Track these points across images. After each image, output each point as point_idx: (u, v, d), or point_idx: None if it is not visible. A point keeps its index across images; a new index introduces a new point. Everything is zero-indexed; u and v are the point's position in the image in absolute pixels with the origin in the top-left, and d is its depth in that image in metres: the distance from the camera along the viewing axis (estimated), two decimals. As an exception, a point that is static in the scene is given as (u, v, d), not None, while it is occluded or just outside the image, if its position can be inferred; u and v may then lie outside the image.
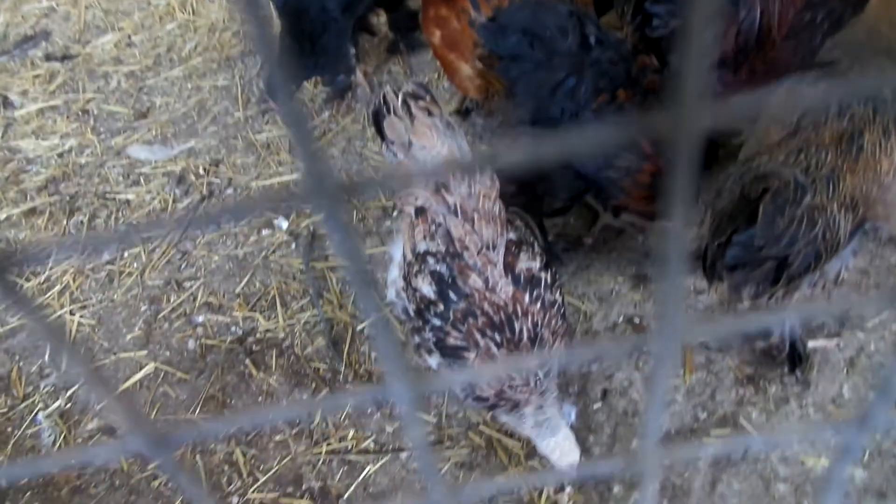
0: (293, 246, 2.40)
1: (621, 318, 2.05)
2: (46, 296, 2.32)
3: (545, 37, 1.64)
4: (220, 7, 3.22)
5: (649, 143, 1.77)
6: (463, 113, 2.73)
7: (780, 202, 1.47)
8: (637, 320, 2.04)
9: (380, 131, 1.73)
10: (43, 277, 2.38)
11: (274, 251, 2.39)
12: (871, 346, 1.88)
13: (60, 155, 2.77)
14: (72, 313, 2.25)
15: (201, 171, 2.66)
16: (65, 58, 3.16)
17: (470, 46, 2.14)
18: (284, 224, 2.45)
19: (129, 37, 3.22)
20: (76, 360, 0.41)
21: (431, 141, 1.65)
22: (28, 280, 2.37)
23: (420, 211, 1.66)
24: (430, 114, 1.67)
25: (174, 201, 2.57)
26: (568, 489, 1.78)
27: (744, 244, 1.45)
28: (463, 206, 1.63)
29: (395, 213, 2.48)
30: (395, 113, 1.67)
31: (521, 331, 1.63)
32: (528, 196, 2.12)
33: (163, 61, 3.11)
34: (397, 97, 1.69)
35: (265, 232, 2.45)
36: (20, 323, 2.25)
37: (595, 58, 1.66)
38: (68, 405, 2.00)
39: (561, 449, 1.63)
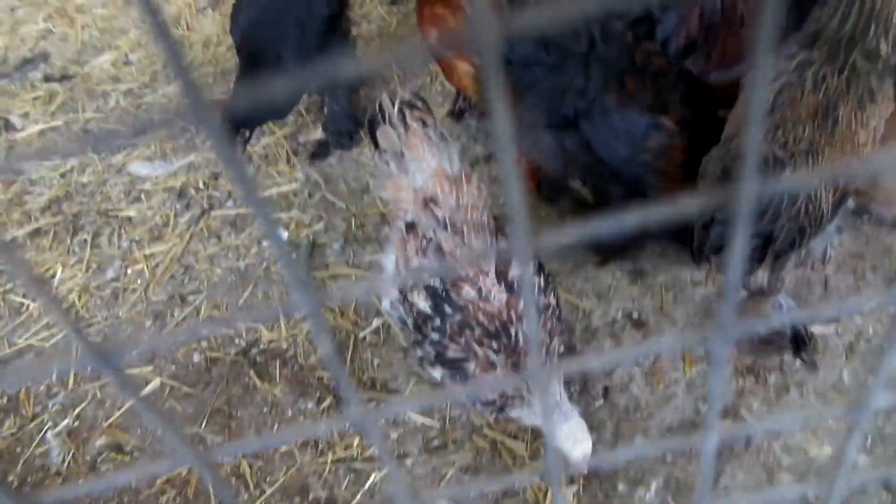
0: (294, 256, 2.42)
1: (620, 314, 2.06)
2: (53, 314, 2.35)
3: (559, 42, 1.65)
4: (213, 22, 3.25)
5: (673, 119, 1.75)
6: (456, 115, 2.74)
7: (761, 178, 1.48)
8: (636, 316, 2.04)
9: (374, 139, 1.74)
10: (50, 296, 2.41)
11: (275, 262, 2.41)
12: (869, 330, 1.88)
13: (63, 175, 2.81)
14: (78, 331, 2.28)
15: (201, 185, 2.69)
16: (63, 78, 3.20)
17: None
18: (285, 234, 2.47)
19: (126, 55, 3.25)
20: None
21: (422, 153, 1.66)
22: (34, 300, 2.41)
23: (410, 226, 1.67)
24: (424, 124, 1.68)
25: (175, 216, 2.60)
26: (573, 487, 1.79)
27: (727, 222, 1.46)
28: (452, 219, 1.63)
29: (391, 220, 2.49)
30: (390, 122, 1.68)
31: (517, 335, 1.64)
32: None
33: (160, 78, 3.14)
34: (393, 105, 1.70)
35: (265, 243, 2.48)
36: (27, 343, 2.28)
37: (600, 54, 1.67)
38: (76, 423, 2.04)
39: (574, 437, 1.61)
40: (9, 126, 3.03)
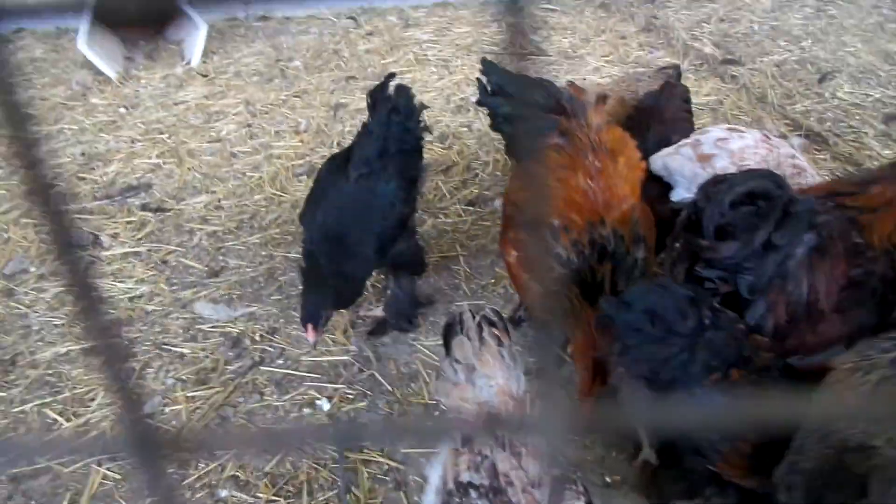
0: (331, 431, 2.39)
1: (660, 576, 1.92)
2: (79, 441, 2.32)
3: (666, 318, 1.76)
4: (305, 188, 3.54)
5: None
6: (516, 321, 2.82)
7: (888, 481, 1.46)
8: (676, 580, 1.91)
9: (447, 347, 1.80)
10: (83, 420, 2.40)
11: (311, 433, 2.38)
12: None
13: (131, 299, 2.93)
14: (99, 464, 2.24)
15: (257, 338, 2.75)
16: (159, 210, 3.46)
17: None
18: (327, 406, 2.47)
19: (220, 200, 3.53)
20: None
21: (493, 370, 1.70)
22: (68, 420, 2.39)
23: (467, 439, 1.66)
24: (500, 343, 1.74)
25: (225, 363, 2.64)
26: None
27: None
28: (511, 440, 1.63)
29: (436, 413, 2.48)
30: (467, 334, 1.75)
31: None
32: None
33: (244, 227, 3.36)
34: (473, 319, 1.77)
35: (306, 411, 2.47)
36: (46, 465, 2.23)
37: (708, 338, 1.75)
38: (71, 569, 1.92)
39: None
40: (97, 243, 3.23)
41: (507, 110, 2.38)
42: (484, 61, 2.34)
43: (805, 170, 2.28)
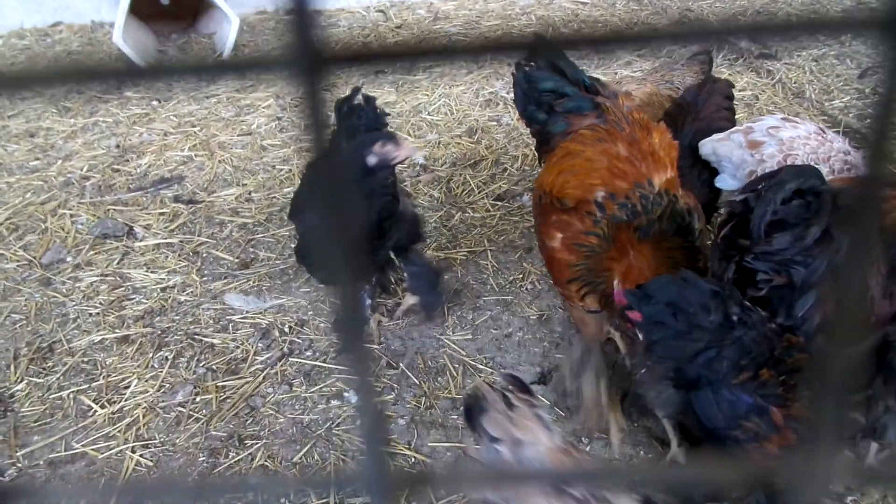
0: (358, 422, 2.40)
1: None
2: (115, 427, 2.37)
3: (688, 311, 1.73)
4: (335, 181, 3.56)
5: (782, 415, 1.73)
6: (544, 321, 2.81)
7: None
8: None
9: (474, 428, 1.61)
10: (117, 407, 2.45)
11: (339, 424, 2.40)
12: None
13: (163, 289, 2.98)
14: (133, 451, 2.28)
15: (286, 329, 2.77)
16: (190, 202, 3.50)
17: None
18: (354, 398, 2.48)
19: (250, 193, 3.56)
20: None
21: (536, 434, 1.55)
22: (103, 406, 2.44)
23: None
24: (532, 405, 1.59)
25: (255, 353, 2.67)
26: None
27: None
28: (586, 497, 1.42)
29: (461, 407, 2.47)
30: (495, 408, 1.57)
31: None
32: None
33: (274, 219, 3.39)
34: (493, 391, 1.60)
35: (334, 402, 2.48)
36: (83, 450, 2.28)
37: (737, 336, 1.72)
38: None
39: None
40: (131, 233, 3.29)
41: (550, 85, 2.36)
42: (537, 35, 2.32)
43: (857, 166, 2.24)
